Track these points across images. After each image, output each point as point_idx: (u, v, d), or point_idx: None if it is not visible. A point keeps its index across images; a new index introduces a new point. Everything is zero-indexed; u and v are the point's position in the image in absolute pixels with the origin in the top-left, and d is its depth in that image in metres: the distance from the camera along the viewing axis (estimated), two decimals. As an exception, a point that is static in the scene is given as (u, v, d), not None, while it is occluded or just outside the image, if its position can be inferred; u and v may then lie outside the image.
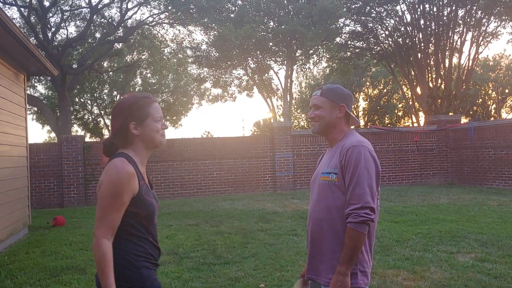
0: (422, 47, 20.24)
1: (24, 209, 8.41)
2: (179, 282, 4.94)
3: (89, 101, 30.19)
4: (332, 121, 2.32)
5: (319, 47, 19.36)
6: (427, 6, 19.69)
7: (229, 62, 20.23)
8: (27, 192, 8.69)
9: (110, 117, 2.27)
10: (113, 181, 1.89)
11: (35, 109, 25.20)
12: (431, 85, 20.24)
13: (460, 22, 19.95)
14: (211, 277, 5.07)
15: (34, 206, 12.00)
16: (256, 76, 21.64)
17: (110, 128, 2.21)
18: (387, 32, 21.57)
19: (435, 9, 19.69)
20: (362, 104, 38.21)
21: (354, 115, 2.37)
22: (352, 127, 2.41)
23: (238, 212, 9.89)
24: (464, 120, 21.01)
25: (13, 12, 34.88)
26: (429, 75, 20.45)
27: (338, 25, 19.00)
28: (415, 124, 22.82)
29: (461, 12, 19.77)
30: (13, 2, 18.49)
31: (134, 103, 2.03)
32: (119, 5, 20.19)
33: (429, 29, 19.96)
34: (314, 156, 13.94)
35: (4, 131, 7.36)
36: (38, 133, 72.71)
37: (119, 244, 1.92)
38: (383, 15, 20.99)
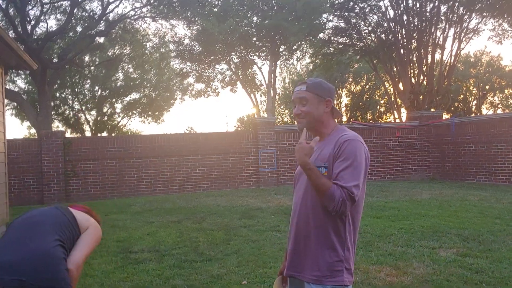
0: (405, 43, 20.36)
1: (2, 206, 8.20)
2: (160, 280, 4.86)
3: (70, 96, 29.72)
4: (320, 116, 2.26)
5: (303, 42, 19.32)
6: (410, 2, 19.80)
7: (212, 57, 20.09)
8: (4, 189, 8.48)
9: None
10: (100, 235, 2.44)
11: (15, 104, 24.70)
12: (413, 81, 20.38)
13: (443, 18, 20.10)
14: (193, 275, 5.00)
15: (13, 203, 11.75)
16: (239, 71, 21.54)
17: None
18: (370, 28, 21.65)
19: (418, 4, 19.81)
20: (345, 100, 38.42)
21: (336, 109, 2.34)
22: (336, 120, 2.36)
23: (221, 209, 9.82)
24: (445, 116, 21.20)
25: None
26: (412, 71, 20.59)
27: (321, 21, 18.98)
28: (397, 120, 22.98)
29: (443, 8, 19.92)
30: (-10, -6, 18.04)
31: None
32: (100, -2, 19.86)
33: (412, 25, 20.08)
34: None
35: (-21, 126, 7.16)
36: (18, 128, 71.39)
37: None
38: (367, 10, 21.05)
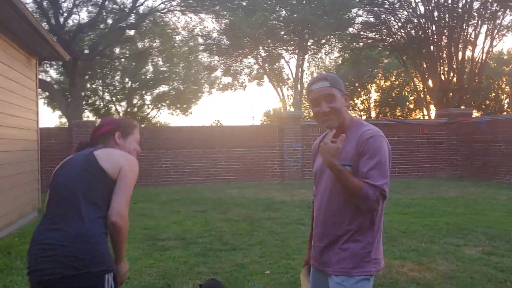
0: (435, 39, 20.00)
1: (33, 192, 8.52)
2: (185, 267, 5.00)
3: (100, 87, 30.31)
4: (344, 112, 2.24)
5: (331, 36, 19.21)
6: (441, -3, 19.43)
7: (240, 51, 20.17)
8: (37, 175, 8.79)
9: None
10: (135, 169, 2.28)
11: (47, 93, 25.36)
12: (443, 77, 20.03)
13: (475, 14, 19.65)
14: (217, 263, 5.11)
15: (45, 189, 12.13)
16: (266, 65, 21.56)
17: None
18: (399, 24, 21.33)
19: (449, 0, 19.42)
20: (374, 95, 37.98)
21: None
22: None
23: (246, 201, 9.93)
24: (476, 113, 20.80)
25: (26, -3, 34.95)
26: (441, 67, 20.23)
27: (350, 16, 18.83)
28: (426, 117, 22.63)
29: (476, 4, 19.48)
30: (26, -13, 18.52)
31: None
32: (131, -9, 20.16)
33: (443, 21, 19.70)
34: (323, 146, 13.87)
35: (15, 114, 7.44)
36: (49, 117, 73.35)
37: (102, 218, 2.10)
38: (397, 6, 20.74)
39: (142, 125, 30.36)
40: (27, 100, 8.17)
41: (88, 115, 30.74)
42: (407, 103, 36.83)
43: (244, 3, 18.65)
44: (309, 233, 2.56)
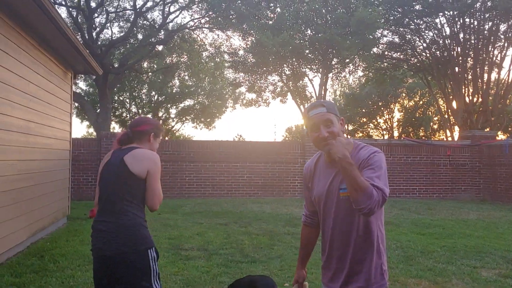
0: (460, 61, 20.00)
1: (64, 199, 8.91)
2: (208, 276, 5.22)
3: (128, 100, 31.11)
4: (341, 136, 2.28)
5: (355, 56, 19.43)
6: (467, 19, 19.45)
7: (264, 68, 20.53)
8: (68, 184, 9.19)
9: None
10: (159, 165, 2.80)
11: (76, 104, 26.15)
12: (467, 99, 19.97)
13: (502, 37, 19.61)
14: (238, 274, 5.32)
15: (74, 198, 12.58)
16: (290, 82, 21.86)
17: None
18: (425, 44, 21.41)
19: (475, 22, 19.45)
20: (397, 115, 37.83)
21: None
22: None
23: (266, 215, 10.14)
24: (502, 136, 20.57)
25: (61, 11, 36.27)
26: (466, 89, 20.18)
27: (375, 36, 19.03)
28: (449, 138, 22.50)
29: (503, 27, 19.45)
30: (63, 3, 19.36)
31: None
32: (162, 8, 20.83)
33: (469, 42, 19.71)
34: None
35: (51, 125, 7.86)
36: (77, 128, 75.14)
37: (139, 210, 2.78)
38: (422, 27, 20.85)
39: (166, 138, 30.97)
40: (61, 111, 8.61)
41: (114, 127, 31.53)
42: (431, 124, 36.55)
43: (270, 22, 19.06)
44: (299, 254, 2.74)
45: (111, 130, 25.80)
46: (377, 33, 19.26)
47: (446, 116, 23.38)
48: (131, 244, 2.66)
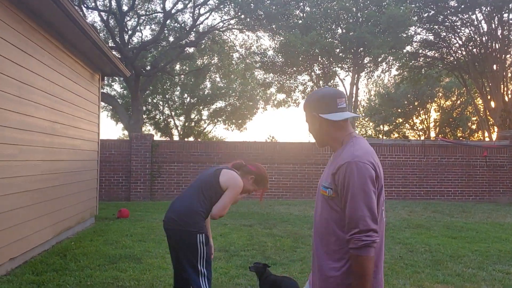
0: (499, 58, 19.25)
1: (92, 200, 9.03)
2: (225, 278, 5.15)
3: (160, 102, 31.53)
4: (320, 132, 2.14)
5: (387, 55, 19.01)
6: (505, 15, 18.72)
7: (294, 68, 20.37)
8: (96, 184, 9.32)
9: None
10: (237, 190, 3.46)
11: (110, 107, 26.70)
12: (506, 98, 19.19)
13: (543, 32, 18.80)
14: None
15: (103, 198, 12.79)
16: (321, 82, 21.62)
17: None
18: (460, 42, 20.73)
19: (515, 18, 18.72)
20: (434, 115, 36.82)
21: (338, 114, 2.09)
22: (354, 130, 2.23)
23: (293, 217, 9.99)
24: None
25: (94, 16, 37.23)
26: (505, 87, 19.40)
27: (408, 34, 18.56)
28: (487, 139, 21.69)
29: (544, 22, 18.63)
30: (95, 7, 19.80)
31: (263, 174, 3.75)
32: (192, 10, 21.00)
33: (507, 39, 18.96)
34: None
35: (78, 126, 7.98)
36: (112, 129, 76.93)
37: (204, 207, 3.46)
38: (458, 24, 20.20)
39: (199, 139, 31.24)
40: (89, 113, 8.74)
41: (149, 129, 32.01)
42: (469, 124, 35.39)
43: (300, 22, 18.89)
44: None
45: (144, 132, 26.22)
46: (410, 31, 18.79)
47: (484, 116, 22.57)
48: (186, 224, 3.35)
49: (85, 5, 19.04)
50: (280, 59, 19.92)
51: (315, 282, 2.13)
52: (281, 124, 76.79)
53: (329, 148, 10.85)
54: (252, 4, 18.82)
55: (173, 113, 32.16)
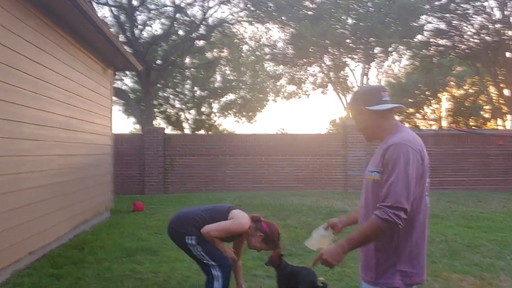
0: (512, 45, 18.98)
1: (107, 193, 9.12)
2: (243, 269, 5.15)
3: (171, 96, 31.57)
4: (367, 126, 2.31)
5: (399, 44, 18.82)
6: (519, 1, 18.41)
7: (304, 60, 20.28)
8: (110, 178, 9.40)
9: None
10: (237, 226, 3.77)
11: (122, 101, 26.80)
12: (520, 86, 18.94)
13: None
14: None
15: (118, 191, 12.87)
16: (331, 73, 21.52)
17: None
18: (473, 30, 20.44)
19: (529, 4, 18.39)
20: (446, 104, 36.44)
21: (384, 105, 2.24)
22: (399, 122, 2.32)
23: (306, 208, 9.98)
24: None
25: (105, 11, 37.31)
26: (519, 75, 19.13)
27: (419, 23, 18.35)
28: (501, 127, 21.45)
29: (559, 8, 18.28)
30: (106, 2, 19.84)
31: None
32: (201, 3, 20.94)
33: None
34: (388, 156, 13.61)
35: (92, 121, 8.04)
36: (124, 124, 77.41)
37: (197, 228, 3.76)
38: (470, 12, 19.90)
39: (210, 132, 31.29)
40: (102, 107, 8.79)
41: (160, 122, 32.09)
42: (482, 113, 34.99)
43: (309, 13, 18.77)
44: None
45: (156, 126, 26.31)
46: (421, 19, 18.57)
47: (497, 104, 22.30)
48: (176, 226, 3.79)
49: (95, 0, 19.08)
50: (291, 51, 19.84)
51: (361, 262, 2.33)
52: (291, 116, 76.59)
53: (340, 139, 10.86)
54: (262, -4, 18.74)
55: (183, 106, 32.19)
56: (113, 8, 19.99)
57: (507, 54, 19.08)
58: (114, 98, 11.26)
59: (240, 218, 3.69)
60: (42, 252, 5.76)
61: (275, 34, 58.45)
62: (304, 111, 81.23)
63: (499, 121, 22.28)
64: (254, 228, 3.75)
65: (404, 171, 2.04)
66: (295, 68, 21.73)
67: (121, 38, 19.43)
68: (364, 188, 2.35)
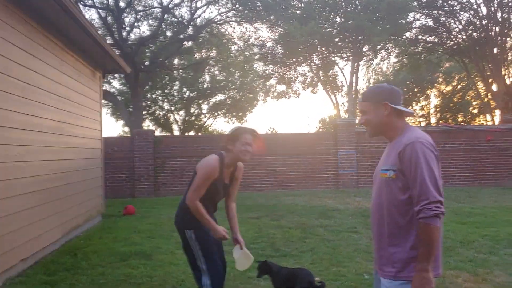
0: (499, 41, 19.15)
1: (98, 198, 9.03)
2: (237, 271, 5.11)
3: (160, 97, 31.40)
4: (381, 121, 2.35)
5: (387, 42, 18.90)
6: (504, -3, 18.60)
7: (293, 59, 20.28)
8: (101, 182, 9.31)
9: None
10: (203, 170, 3.27)
11: (110, 104, 26.60)
12: (508, 81, 19.11)
13: (543, 13, 18.67)
14: (269, 269, 5.21)
15: (108, 195, 12.76)
16: (320, 72, 21.55)
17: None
18: (460, 26, 20.61)
19: (514, 0, 18.58)
20: (434, 101, 36.71)
21: (404, 108, 2.37)
22: (408, 119, 2.40)
23: (299, 208, 9.99)
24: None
25: (92, 13, 36.98)
26: (506, 70, 19.32)
27: (407, 20, 18.45)
28: (490, 123, 21.65)
29: (544, 3, 18.49)
30: (92, 4, 19.68)
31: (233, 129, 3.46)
32: (189, 4, 20.87)
33: (507, 22, 18.83)
34: (379, 153, 13.56)
35: (82, 124, 7.96)
36: (113, 126, 76.87)
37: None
38: (457, 8, 20.06)
39: (199, 134, 31.20)
40: (92, 111, 8.71)
41: (149, 124, 31.92)
42: (471, 109, 35.30)
43: (298, 12, 18.78)
44: None
45: (145, 128, 26.17)
46: (409, 17, 18.68)
47: (486, 100, 22.51)
48: (177, 218, 3.52)
49: (82, 3, 18.91)
50: (280, 50, 19.84)
51: (376, 258, 2.35)
52: (281, 115, 76.64)
53: (331, 138, 10.90)
54: (250, -4, 18.72)
55: (172, 108, 32.04)
56: (100, 10, 19.84)
57: (494, 50, 19.25)
58: (102, 101, 11.17)
59: (200, 165, 3.32)
60: (35, 258, 5.68)
61: (264, 34, 58.44)
62: (295, 111, 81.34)
63: (488, 117, 22.46)
64: (225, 150, 3.39)
65: (428, 167, 2.14)
66: (284, 68, 21.73)
67: (109, 40, 19.28)
68: (376, 186, 2.38)
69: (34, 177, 5.73)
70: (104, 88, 23.70)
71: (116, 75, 24.00)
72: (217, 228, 3.35)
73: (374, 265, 2.43)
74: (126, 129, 31.31)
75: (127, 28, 21.05)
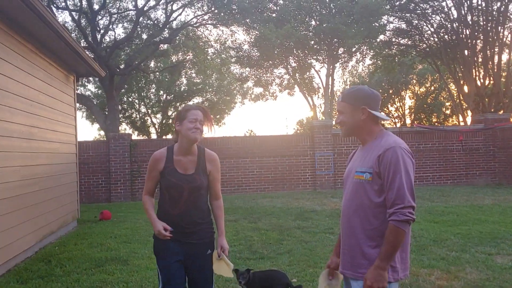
0: (470, 44, 19.61)
1: (73, 203, 8.89)
2: (215, 275, 5.12)
3: (136, 100, 31.11)
4: (356, 124, 2.36)
5: (362, 44, 19.16)
6: (474, 1, 19.03)
7: (270, 62, 20.38)
8: (76, 187, 9.17)
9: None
10: (149, 163, 3.11)
11: (85, 107, 26.22)
12: (479, 83, 19.58)
13: (511, 17, 19.18)
14: (245, 271, 5.22)
15: (84, 200, 12.60)
16: (297, 75, 21.70)
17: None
18: (432, 29, 21.04)
19: (483, 4, 19.03)
20: (408, 102, 37.38)
21: (382, 114, 2.38)
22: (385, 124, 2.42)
23: (277, 210, 10.03)
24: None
25: (65, 16, 36.38)
26: (477, 72, 19.79)
27: (381, 23, 18.75)
28: (462, 123, 22.13)
29: (512, 7, 19.00)
30: (65, 7, 19.38)
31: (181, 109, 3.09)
32: (165, 7, 20.73)
33: (477, 25, 19.29)
34: (355, 155, 13.83)
35: (55, 129, 7.83)
36: (88, 130, 75.81)
37: (158, 199, 3.07)
38: (429, 11, 20.47)
39: (177, 137, 31.01)
40: (65, 115, 8.58)
41: (125, 128, 31.59)
42: (444, 109, 36.05)
43: (273, 15, 18.88)
44: (338, 238, 2.64)
45: (122, 131, 25.87)
46: (382, 20, 18.98)
47: (458, 101, 23.00)
48: None
49: (54, 5, 18.60)
50: (256, 53, 19.90)
51: (347, 261, 2.34)
52: (259, 117, 76.90)
53: (308, 139, 11.02)
54: (225, -1, 18.72)
55: (149, 111, 31.78)
56: (73, 13, 19.55)
57: (465, 52, 19.69)
58: (77, 104, 11.01)
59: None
60: (7, 267, 5.56)
61: (240, 36, 58.57)
62: (272, 113, 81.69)
63: (460, 117, 22.94)
64: (176, 134, 3.10)
65: (406, 173, 2.18)
66: (261, 70, 21.81)
67: (83, 43, 19.03)
68: (348, 187, 2.38)
69: (5, 183, 5.61)
70: (79, 91, 23.41)
71: (90, 78, 23.70)
72: (155, 224, 2.93)
73: (340, 266, 2.40)
74: (102, 132, 30.94)
75: (102, 31, 20.79)
